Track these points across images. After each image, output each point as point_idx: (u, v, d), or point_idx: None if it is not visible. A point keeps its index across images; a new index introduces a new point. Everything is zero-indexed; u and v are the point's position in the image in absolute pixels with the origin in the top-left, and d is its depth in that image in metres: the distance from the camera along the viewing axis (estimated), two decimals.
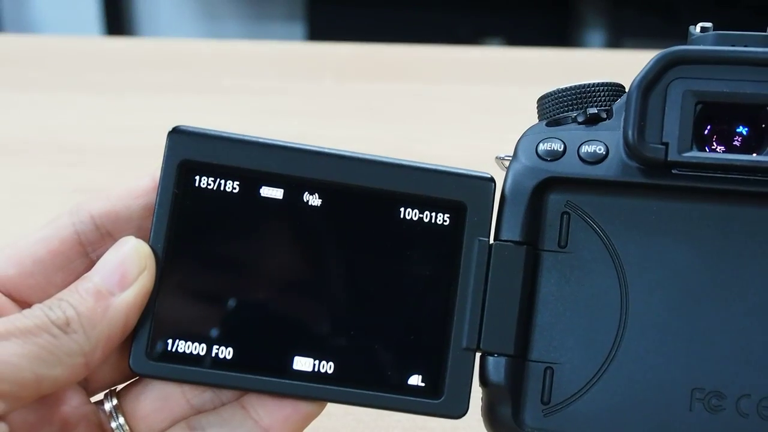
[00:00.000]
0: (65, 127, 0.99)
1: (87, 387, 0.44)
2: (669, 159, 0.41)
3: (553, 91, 0.45)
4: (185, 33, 2.58)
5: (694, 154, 0.41)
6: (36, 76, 1.11)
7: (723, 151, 0.42)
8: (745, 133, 0.42)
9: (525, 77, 1.12)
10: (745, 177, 0.41)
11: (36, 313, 0.39)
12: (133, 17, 2.59)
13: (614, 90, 0.45)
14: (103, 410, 0.43)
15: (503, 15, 2.32)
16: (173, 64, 1.16)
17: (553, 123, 0.44)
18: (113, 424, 0.43)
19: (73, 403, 0.43)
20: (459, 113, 1.03)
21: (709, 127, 0.42)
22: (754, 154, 0.41)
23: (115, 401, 0.43)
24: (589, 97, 0.44)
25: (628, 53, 1.28)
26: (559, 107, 0.45)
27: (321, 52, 1.23)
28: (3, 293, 0.42)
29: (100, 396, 0.44)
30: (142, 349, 0.42)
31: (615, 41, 2.33)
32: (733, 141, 0.42)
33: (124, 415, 0.43)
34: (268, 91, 1.08)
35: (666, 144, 0.41)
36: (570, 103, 0.44)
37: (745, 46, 0.41)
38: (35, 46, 1.31)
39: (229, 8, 2.58)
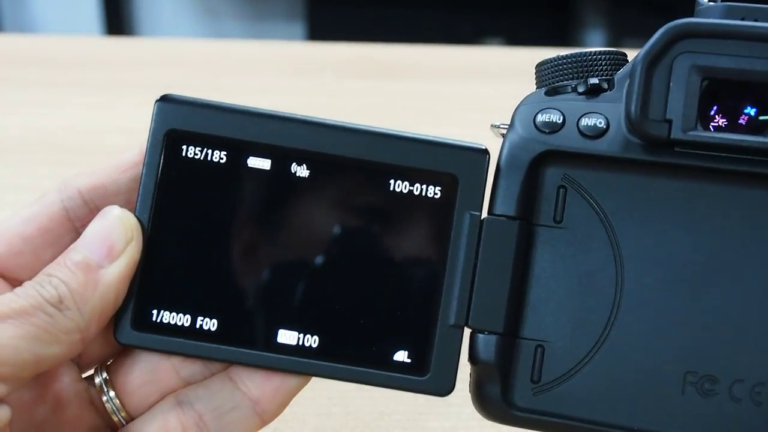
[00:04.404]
0: (65, 127, 0.99)
1: (79, 363, 0.43)
2: (672, 137, 0.40)
3: (553, 58, 0.43)
4: (185, 33, 2.59)
5: (699, 133, 0.40)
6: (36, 76, 1.11)
7: (728, 131, 0.40)
8: (752, 113, 0.40)
9: (525, 77, 1.11)
10: (750, 158, 0.40)
11: (29, 292, 0.38)
12: (133, 17, 2.59)
13: (616, 59, 0.43)
14: (94, 385, 0.43)
15: (503, 15, 2.32)
16: (173, 64, 1.16)
17: (552, 92, 0.43)
18: (104, 398, 0.42)
19: (65, 380, 0.42)
20: (459, 113, 1.03)
21: (714, 105, 0.40)
22: (761, 135, 0.40)
23: (105, 375, 0.43)
24: (590, 65, 0.43)
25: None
26: (558, 75, 0.43)
27: (321, 52, 1.23)
28: None
29: (91, 371, 0.44)
30: (128, 319, 0.42)
31: (615, 41, 2.33)
32: (739, 120, 0.41)
33: (114, 389, 0.42)
34: (268, 90, 1.08)
35: (670, 121, 0.40)
36: (570, 70, 0.43)
37: (755, 20, 0.40)
38: (35, 46, 1.30)
39: (229, 8, 2.58)
